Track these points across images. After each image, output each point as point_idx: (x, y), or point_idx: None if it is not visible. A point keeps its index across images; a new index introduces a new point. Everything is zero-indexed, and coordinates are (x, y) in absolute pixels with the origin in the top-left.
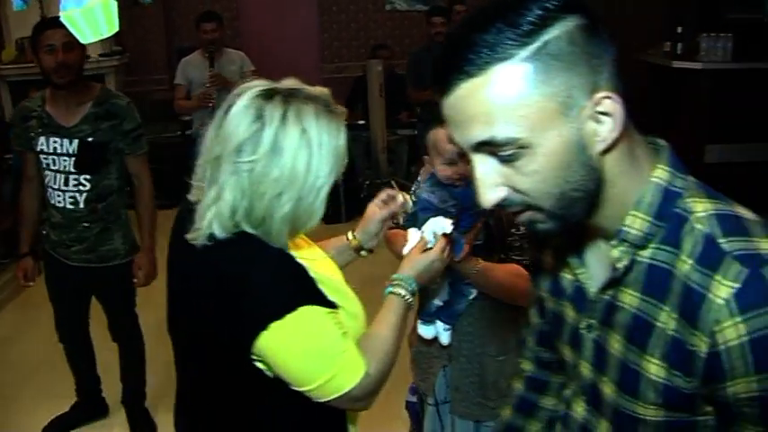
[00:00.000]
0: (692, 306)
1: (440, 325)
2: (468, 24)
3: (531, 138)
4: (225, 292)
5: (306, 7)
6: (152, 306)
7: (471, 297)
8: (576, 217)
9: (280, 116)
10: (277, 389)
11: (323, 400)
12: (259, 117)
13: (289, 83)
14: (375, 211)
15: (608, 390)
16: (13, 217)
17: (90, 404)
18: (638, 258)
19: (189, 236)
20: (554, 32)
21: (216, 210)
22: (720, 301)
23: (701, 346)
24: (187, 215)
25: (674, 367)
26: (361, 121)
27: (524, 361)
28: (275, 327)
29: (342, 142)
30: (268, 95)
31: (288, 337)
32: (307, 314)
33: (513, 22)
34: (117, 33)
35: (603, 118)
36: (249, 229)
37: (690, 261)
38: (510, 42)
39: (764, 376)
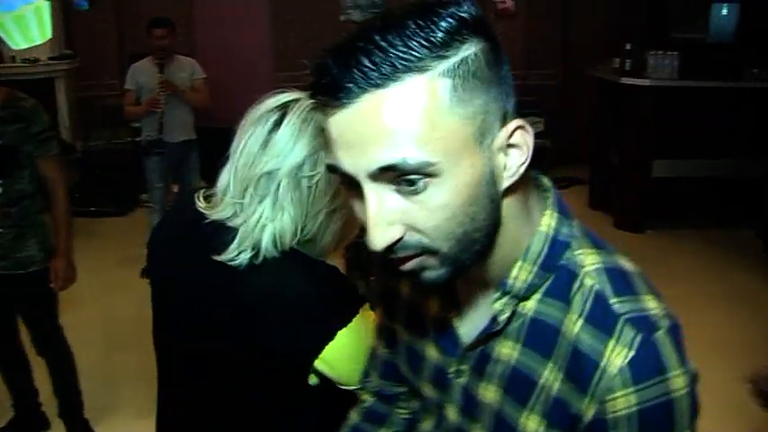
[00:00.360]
0: (581, 371)
1: None
2: (376, 28)
3: (444, 165)
4: (280, 311)
5: (260, 16)
6: (81, 312)
7: None
8: (468, 262)
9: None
10: (305, 394)
11: None
12: (321, 132)
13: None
14: None
15: None
16: None
17: (29, 418)
18: (521, 310)
19: (224, 256)
20: (471, 49)
21: (275, 227)
22: (614, 371)
23: (588, 412)
24: (199, 232)
25: (555, 427)
26: None
27: (365, 392)
28: (342, 334)
29: None
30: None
31: (353, 342)
32: (365, 315)
33: (427, 32)
34: (68, 37)
35: (512, 150)
36: (296, 247)
37: (580, 322)
38: (425, 52)
39: None
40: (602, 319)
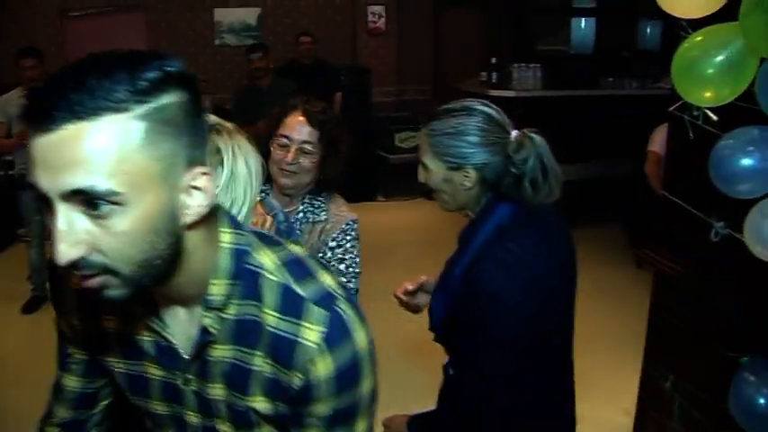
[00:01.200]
0: (284, 352)
1: None
2: (85, 66)
3: (129, 196)
4: None
5: (136, 42)
6: None
7: None
8: (148, 283)
9: (232, 151)
10: None
11: None
12: (217, 152)
13: (212, 118)
14: None
15: (225, 427)
16: None
17: None
18: (225, 317)
19: None
20: (170, 98)
21: None
22: (312, 345)
23: (296, 380)
24: None
25: (277, 399)
26: None
27: (50, 428)
28: None
29: (261, 165)
30: (216, 130)
31: None
32: None
33: (133, 77)
34: None
35: (195, 192)
36: None
37: (274, 313)
38: (127, 95)
39: (339, 398)
40: (291, 306)
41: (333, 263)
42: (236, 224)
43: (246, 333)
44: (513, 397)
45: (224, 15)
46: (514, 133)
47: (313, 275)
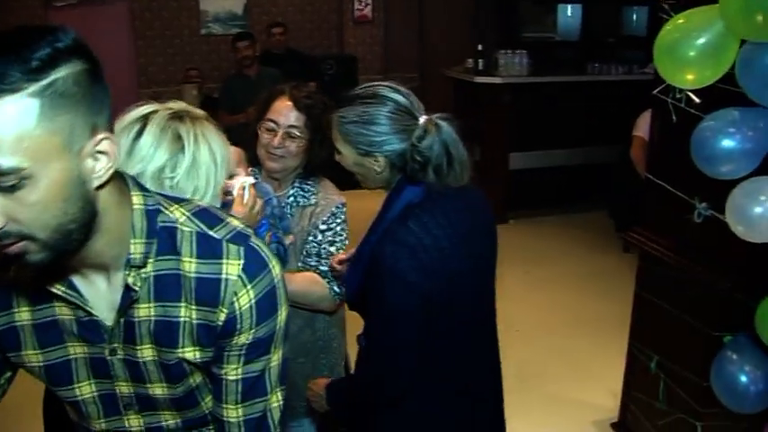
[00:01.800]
0: (209, 291)
1: None
2: None
3: (34, 169)
4: None
5: (121, 33)
6: None
7: None
8: (71, 247)
9: (194, 137)
10: None
11: None
12: (178, 138)
13: (179, 104)
14: None
15: (159, 390)
16: None
17: None
18: (145, 275)
19: None
20: (62, 72)
21: None
22: (234, 278)
23: (221, 316)
24: None
25: (206, 346)
26: None
27: None
28: None
29: (229, 152)
30: (179, 117)
31: None
32: None
33: (23, 57)
34: None
35: (100, 156)
36: None
37: (194, 260)
38: (18, 76)
39: (259, 327)
40: (210, 249)
41: (324, 245)
42: (142, 187)
43: (168, 287)
44: (415, 369)
45: (210, 4)
46: (422, 119)
47: (222, 220)
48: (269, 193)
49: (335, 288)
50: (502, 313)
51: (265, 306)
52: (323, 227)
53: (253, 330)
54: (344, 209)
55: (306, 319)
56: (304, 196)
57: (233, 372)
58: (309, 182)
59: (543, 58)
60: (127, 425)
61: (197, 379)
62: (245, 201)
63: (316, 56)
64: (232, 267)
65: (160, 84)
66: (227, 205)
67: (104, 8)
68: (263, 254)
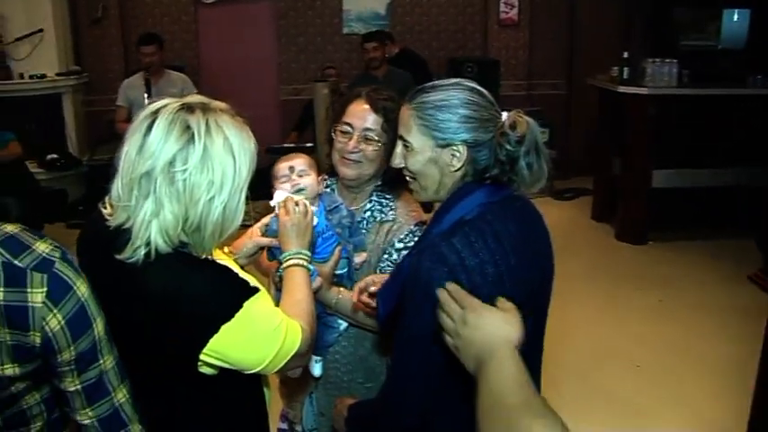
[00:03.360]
0: (18, 318)
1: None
2: None
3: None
4: (168, 306)
5: (265, 29)
6: None
7: (342, 328)
8: None
9: (205, 127)
10: (210, 383)
11: (276, 370)
12: (186, 129)
13: (195, 98)
14: (256, 232)
15: None
16: None
17: None
18: None
19: (123, 255)
20: None
21: (159, 223)
22: (39, 305)
23: (36, 339)
24: (107, 236)
25: (25, 362)
26: (310, 144)
27: None
28: (226, 328)
29: (253, 146)
30: (189, 109)
31: (240, 332)
32: (251, 307)
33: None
34: (76, 53)
35: None
36: (185, 239)
37: (1, 289)
38: None
39: (78, 343)
40: (14, 279)
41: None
42: None
43: None
44: (440, 392)
45: (353, 4)
46: (506, 113)
47: (29, 247)
48: (337, 201)
49: None
50: (626, 344)
51: (77, 324)
52: (399, 245)
53: (72, 347)
54: (424, 228)
55: (375, 343)
56: (382, 211)
57: (71, 384)
58: (388, 196)
59: (700, 69)
60: None
61: (20, 386)
62: (290, 210)
63: (456, 58)
64: (36, 296)
65: (300, 81)
66: (274, 219)
67: (250, 6)
68: (65, 278)
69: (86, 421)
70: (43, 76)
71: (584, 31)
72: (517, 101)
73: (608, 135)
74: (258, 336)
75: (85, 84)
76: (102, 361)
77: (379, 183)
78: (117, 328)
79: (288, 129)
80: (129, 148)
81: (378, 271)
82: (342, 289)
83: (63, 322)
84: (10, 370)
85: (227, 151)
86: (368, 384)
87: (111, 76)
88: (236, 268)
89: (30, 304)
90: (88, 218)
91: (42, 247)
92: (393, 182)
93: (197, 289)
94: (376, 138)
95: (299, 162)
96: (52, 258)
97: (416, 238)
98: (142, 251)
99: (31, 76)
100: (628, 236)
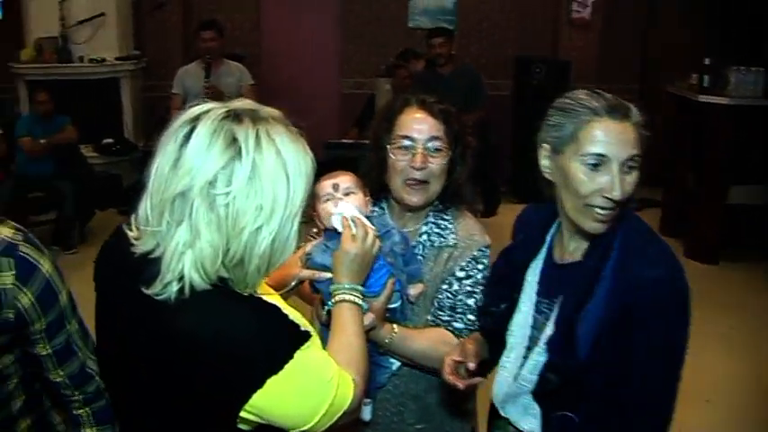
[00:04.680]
0: None
1: None
2: None
3: None
4: (201, 351)
5: (327, 20)
6: None
7: (395, 368)
8: None
9: (254, 139)
10: None
11: (325, 428)
12: (233, 142)
13: (242, 103)
14: (296, 262)
15: None
16: (9, 216)
17: None
18: None
19: (152, 290)
20: None
21: (195, 255)
22: (10, 286)
23: (10, 315)
24: (132, 264)
25: (2, 334)
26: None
27: None
28: (273, 381)
29: (311, 164)
30: (236, 117)
31: (288, 387)
32: (303, 357)
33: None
34: (137, 37)
35: None
36: (225, 274)
37: None
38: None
39: (48, 314)
40: None
41: (460, 297)
42: None
43: None
44: None
45: None
46: None
47: None
48: (388, 224)
49: None
50: (694, 375)
51: (45, 298)
52: (461, 274)
53: (42, 319)
54: (488, 252)
55: (431, 382)
56: (440, 234)
57: (43, 349)
58: (447, 216)
59: None
60: None
61: (5, 361)
62: (354, 234)
63: (523, 58)
64: (6, 278)
65: (363, 75)
66: (332, 237)
67: None
68: (30, 259)
69: (58, 380)
70: (103, 60)
71: (662, 34)
72: None
73: (683, 145)
74: (307, 392)
75: (144, 69)
76: (68, 327)
77: (436, 202)
78: (139, 364)
79: (348, 124)
80: (161, 161)
81: (436, 303)
82: (395, 326)
83: (33, 299)
84: None
85: (279, 170)
86: (419, 425)
87: (171, 62)
88: (281, 305)
89: (1, 287)
90: (109, 238)
91: (5, 232)
92: (452, 200)
93: (239, 332)
94: (442, 147)
95: (345, 179)
96: (15, 242)
97: (480, 265)
98: (174, 287)
99: (90, 60)
100: (698, 254)
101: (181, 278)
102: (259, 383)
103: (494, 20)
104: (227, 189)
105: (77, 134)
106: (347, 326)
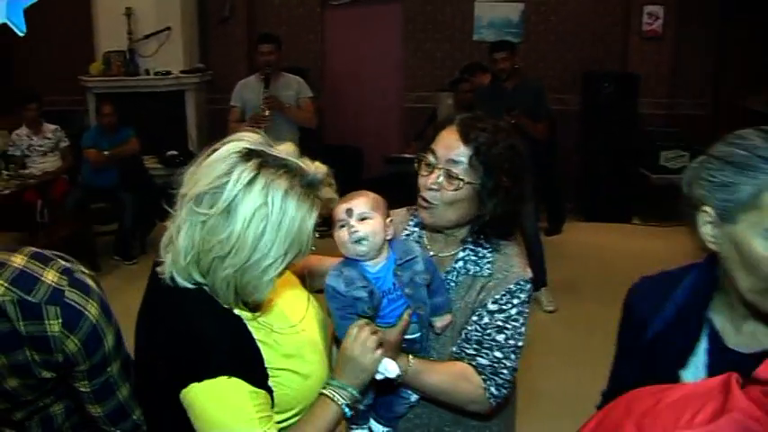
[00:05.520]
0: (43, 345)
1: (376, 427)
2: None
3: None
4: (167, 340)
5: (392, 32)
6: None
7: (414, 399)
8: None
9: (247, 180)
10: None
11: None
12: (228, 173)
13: (283, 148)
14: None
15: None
16: (74, 226)
17: None
18: None
19: (159, 268)
20: None
21: (172, 253)
22: (57, 334)
23: (60, 358)
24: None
25: (53, 371)
26: None
27: None
28: (193, 388)
29: (308, 227)
30: (246, 155)
31: (202, 402)
32: (223, 385)
33: None
34: (202, 51)
35: None
36: (199, 278)
37: (22, 322)
38: None
39: (93, 357)
40: (32, 313)
41: (489, 331)
42: None
43: (8, 343)
44: None
45: (485, 10)
46: None
47: (38, 280)
48: (412, 251)
49: (493, 389)
50: None
51: (91, 343)
52: (493, 307)
53: (87, 361)
54: (528, 287)
55: (454, 417)
56: (477, 263)
57: (82, 386)
58: (487, 245)
59: None
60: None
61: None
62: (360, 339)
63: (592, 73)
64: (54, 326)
65: (426, 88)
66: (348, 264)
67: (379, 8)
68: (76, 305)
69: (96, 414)
70: (168, 72)
71: (737, 47)
72: (655, 120)
73: None
74: (217, 423)
75: (209, 82)
76: (109, 369)
77: (476, 228)
78: (138, 343)
79: (409, 139)
80: (193, 166)
81: (463, 335)
82: (411, 358)
83: (80, 345)
84: (47, 374)
85: (258, 218)
86: None
87: (234, 75)
88: (282, 338)
89: (49, 334)
90: None
91: (51, 278)
92: (494, 230)
93: (194, 338)
94: (460, 174)
95: (360, 203)
96: (61, 288)
97: (516, 300)
98: (167, 274)
99: (156, 73)
100: None
101: (167, 269)
102: (185, 384)
103: (561, 32)
104: (204, 210)
105: (140, 146)
106: (317, 421)
